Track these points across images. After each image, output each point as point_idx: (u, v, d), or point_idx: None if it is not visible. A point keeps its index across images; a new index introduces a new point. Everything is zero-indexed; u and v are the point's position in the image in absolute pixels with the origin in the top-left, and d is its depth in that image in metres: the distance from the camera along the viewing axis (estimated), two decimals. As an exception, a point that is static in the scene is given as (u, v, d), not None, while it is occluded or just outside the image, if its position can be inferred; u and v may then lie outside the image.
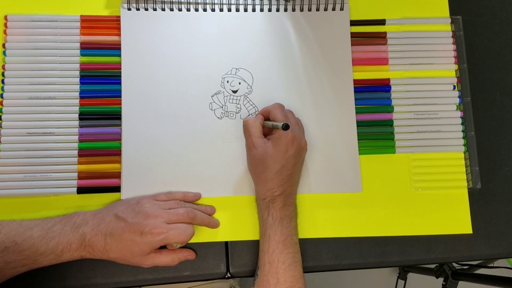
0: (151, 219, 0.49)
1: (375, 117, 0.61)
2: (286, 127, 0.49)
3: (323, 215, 0.57)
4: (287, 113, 0.55)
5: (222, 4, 0.60)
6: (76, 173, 0.56)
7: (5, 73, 0.57)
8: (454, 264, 1.07)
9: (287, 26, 0.61)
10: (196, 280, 0.57)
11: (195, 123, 0.58)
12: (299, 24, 0.61)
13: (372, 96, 0.61)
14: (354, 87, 0.60)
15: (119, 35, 0.59)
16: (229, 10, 0.61)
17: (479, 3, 0.66)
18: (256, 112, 0.59)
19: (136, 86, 0.58)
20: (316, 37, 0.61)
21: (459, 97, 0.62)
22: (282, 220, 0.51)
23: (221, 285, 0.74)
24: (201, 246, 0.56)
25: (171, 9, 0.60)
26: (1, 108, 0.56)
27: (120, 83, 0.58)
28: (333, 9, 0.61)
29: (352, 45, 0.61)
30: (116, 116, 0.57)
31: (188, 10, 0.60)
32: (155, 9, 0.60)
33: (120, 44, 0.59)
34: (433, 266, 1.14)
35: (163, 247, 0.52)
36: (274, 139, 0.52)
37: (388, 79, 0.61)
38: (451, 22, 0.63)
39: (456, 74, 0.63)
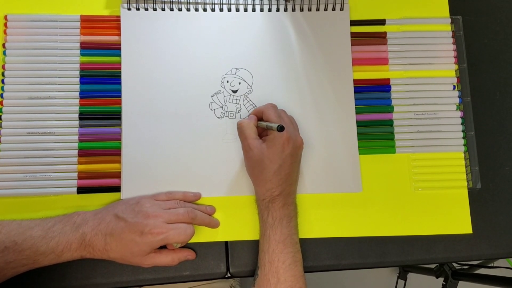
0: (151, 219, 0.49)
1: (375, 117, 0.61)
2: (281, 128, 0.49)
3: (323, 215, 0.57)
4: (280, 113, 0.55)
5: (222, 4, 0.60)
6: (76, 173, 0.56)
7: (5, 73, 0.57)
8: (454, 264, 1.07)
9: (287, 26, 0.61)
10: (196, 280, 0.57)
11: (195, 123, 0.58)
12: (299, 24, 0.61)
13: (372, 96, 0.61)
14: (354, 87, 0.60)
15: (119, 35, 0.59)
16: (229, 10, 0.61)
17: (479, 3, 0.66)
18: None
19: (136, 86, 0.58)
20: (316, 37, 0.61)
21: (459, 97, 0.62)
22: (282, 219, 0.51)
23: (221, 285, 0.74)
24: (201, 246, 0.56)
25: (171, 9, 0.60)
26: (1, 108, 0.57)
27: (120, 83, 0.58)
28: (333, 9, 0.61)
29: (352, 45, 0.61)
30: (116, 116, 0.57)
31: (188, 10, 0.60)
32: (155, 9, 0.60)
33: (120, 44, 0.59)
34: (433, 266, 1.14)
35: (163, 247, 0.52)
36: (270, 140, 0.52)
37: (388, 79, 0.61)
38: (451, 22, 0.63)
39: (456, 74, 0.63)
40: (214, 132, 0.58)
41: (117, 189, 0.56)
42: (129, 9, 0.59)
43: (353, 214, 0.58)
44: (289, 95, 0.59)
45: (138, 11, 0.59)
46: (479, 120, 0.62)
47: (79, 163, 0.56)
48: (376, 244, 0.57)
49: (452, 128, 0.61)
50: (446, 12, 0.64)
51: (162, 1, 0.59)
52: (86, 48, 0.58)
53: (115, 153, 0.57)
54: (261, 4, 0.61)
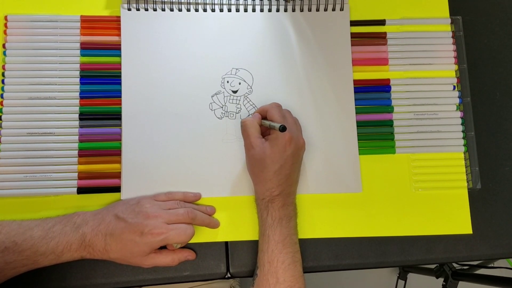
0: (151, 220, 0.49)
1: (375, 117, 0.61)
2: (283, 129, 0.49)
3: (323, 215, 0.57)
4: (285, 113, 0.55)
5: (222, 4, 0.60)
6: (76, 173, 0.56)
7: (5, 73, 0.57)
8: (454, 264, 1.07)
9: (287, 26, 0.61)
10: (196, 280, 0.57)
11: (195, 123, 0.58)
12: (299, 24, 0.61)
13: (372, 96, 0.61)
14: (354, 87, 0.60)
15: (119, 35, 0.59)
16: (229, 10, 0.61)
17: (479, 3, 0.66)
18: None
19: (136, 86, 0.58)
20: (316, 37, 0.61)
21: (459, 97, 0.62)
22: (281, 220, 0.51)
23: (221, 285, 0.74)
24: (201, 246, 0.56)
25: (171, 10, 0.60)
26: (1, 108, 0.57)
27: (120, 83, 0.58)
28: (333, 9, 0.62)
29: (352, 45, 0.61)
30: (116, 116, 0.57)
31: (188, 10, 0.60)
32: (155, 10, 0.60)
33: (120, 44, 0.59)
34: (433, 266, 1.13)
35: (163, 247, 0.52)
36: (272, 140, 0.52)
37: (388, 79, 0.61)
38: (451, 23, 0.63)
39: (456, 74, 0.63)
40: (214, 133, 0.58)
41: (117, 189, 0.56)
42: (129, 9, 0.59)
43: (353, 214, 0.58)
44: (289, 96, 0.59)
45: (138, 12, 0.59)
46: (479, 120, 0.62)
47: (79, 163, 0.56)
48: (376, 244, 0.57)
49: (452, 128, 0.61)
50: (446, 13, 0.64)
51: (162, 2, 0.59)
52: (86, 48, 0.58)
53: (115, 153, 0.57)
54: (261, 5, 0.61)
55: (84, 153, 0.56)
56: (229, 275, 0.56)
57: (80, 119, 0.57)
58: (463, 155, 0.61)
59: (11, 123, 0.56)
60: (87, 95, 0.58)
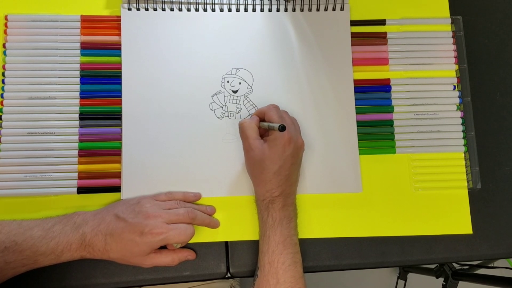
0: (151, 219, 0.49)
1: (375, 117, 0.61)
2: (282, 128, 0.49)
3: (323, 215, 0.57)
4: (282, 114, 0.55)
5: (222, 4, 0.60)
6: (76, 173, 0.56)
7: (6, 73, 0.57)
8: (454, 264, 1.07)
9: (287, 26, 0.61)
10: (196, 280, 0.57)
11: (195, 123, 0.58)
12: (299, 24, 0.61)
13: (372, 96, 0.61)
14: (354, 87, 0.60)
15: (119, 35, 0.59)
16: (229, 10, 0.61)
17: (479, 3, 0.66)
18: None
19: (136, 86, 0.58)
20: (316, 37, 0.61)
21: (459, 97, 0.62)
22: (281, 220, 0.51)
23: (221, 285, 0.74)
24: (201, 246, 0.56)
25: (172, 9, 0.60)
26: (2, 108, 0.57)
27: (120, 83, 0.58)
28: (333, 9, 0.61)
29: (352, 45, 0.61)
30: (116, 116, 0.57)
31: (189, 10, 0.60)
32: (155, 9, 0.60)
33: (120, 44, 0.59)
34: (433, 266, 1.14)
35: (163, 247, 0.52)
36: (271, 140, 0.52)
37: (388, 79, 0.61)
38: (452, 22, 0.63)
39: (456, 74, 0.63)
40: (214, 132, 0.58)
41: (117, 189, 0.56)
42: (129, 9, 0.59)
43: (353, 214, 0.58)
44: (289, 96, 0.59)
45: (138, 11, 0.59)
46: (479, 120, 0.62)
47: (79, 163, 0.56)
48: (376, 244, 0.57)
49: (452, 128, 0.61)
50: (447, 12, 0.64)
51: (162, 1, 0.59)
52: (86, 48, 0.58)
53: (115, 153, 0.57)
54: (261, 4, 0.61)
55: (84, 153, 0.56)
56: (229, 275, 0.56)
57: (80, 119, 0.57)
58: (463, 155, 0.61)
59: (11, 123, 0.56)
60: (87, 95, 0.58)
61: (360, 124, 0.60)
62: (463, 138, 0.61)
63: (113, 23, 0.59)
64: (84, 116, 0.57)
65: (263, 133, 0.56)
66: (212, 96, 0.59)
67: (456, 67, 0.62)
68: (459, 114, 0.61)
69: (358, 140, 0.59)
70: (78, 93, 0.57)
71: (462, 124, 0.61)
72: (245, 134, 0.54)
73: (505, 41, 0.65)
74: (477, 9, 0.65)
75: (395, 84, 0.61)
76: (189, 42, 0.59)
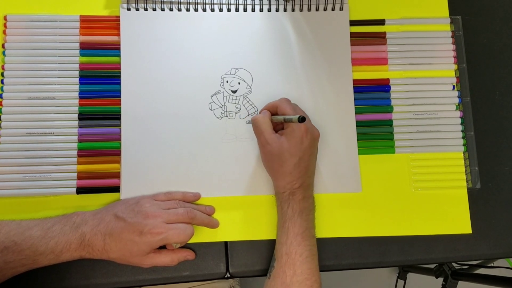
0: (150, 219, 0.49)
1: (374, 117, 0.61)
2: (302, 119, 0.49)
3: (323, 215, 0.57)
4: (295, 106, 0.56)
5: (222, 4, 0.60)
6: (76, 173, 0.56)
7: (5, 73, 0.57)
8: (454, 264, 1.07)
9: (286, 26, 0.61)
10: (196, 280, 0.57)
11: (195, 123, 0.58)
12: (298, 24, 0.61)
13: (372, 96, 0.61)
14: (354, 87, 0.60)
15: (118, 35, 0.59)
16: (229, 10, 0.61)
17: (478, 3, 0.66)
18: (256, 112, 0.59)
19: (136, 86, 0.58)
20: (315, 37, 0.61)
21: (458, 97, 0.62)
22: (301, 212, 0.51)
23: (221, 285, 0.74)
24: (201, 246, 0.56)
25: (171, 9, 0.60)
26: (1, 108, 0.56)
27: (119, 83, 0.58)
28: (333, 9, 0.61)
29: (351, 45, 0.61)
30: (115, 116, 0.57)
31: (188, 10, 0.60)
32: (154, 9, 0.60)
33: (119, 44, 0.58)
34: (432, 266, 1.14)
35: (163, 247, 0.52)
36: (288, 133, 0.52)
37: (388, 79, 0.61)
38: (451, 22, 0.63)
39: (455, 74, 0.63)
40: (214, 132, 0.58)
41: (116, 189, 0.56)
42: (128, 9, 0.59)
43: (353, 214, 0.58)
44: (288, 95, 0.59)
45: (137, 11, 0.59)
46: (479, 120, 0.62)
47: (79, 163, 0.56)
48: (376, 244, 0.57)
49: (451, 128, 0.61)
50: (446, 12, 0.64)
51: (161, 1, 0.59)
52: (85, 48, 0.58)
53: (115, 153, 0.57)
54: (261, 4, 0.61)
55: (83, 153, 0.56)
56: (228, 275, 0.56)
57: (80, 119, 0.57)
58: (462, 154, 0.61)
59: (10, 123, 0.56)
60: (86, 95, 0.58)
61: (359, 124, 0.60)
62: (463, 138, 0.61)
63: (112, 23, 0.59)
64: (83, 116, 0.57)
65: (275, 127, 0.56)
66: (211, 96, 0.59)
67: (455, 67, 0.62)
68: (458, 114, 0.61)
69: (358, 140, 0.59)
70: (77, 93, 0.57)
71: (462, 124, 0.61)
72: (260, 129, 0.54)
73: (504, 40, 0.65)
74: (476, 9, 0.65)
75: (394, 84, 0.61)
76: (188, 42, 0.59)
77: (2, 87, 0.57)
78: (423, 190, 0.59)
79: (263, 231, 0.56)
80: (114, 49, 0.59)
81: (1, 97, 0.57)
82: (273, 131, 0.54)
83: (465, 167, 0.60)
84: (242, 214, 0.57)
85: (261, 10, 0.61)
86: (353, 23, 0.62)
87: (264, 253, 0.56)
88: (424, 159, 0.60)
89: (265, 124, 0.54)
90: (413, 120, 0.61)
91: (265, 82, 0.60)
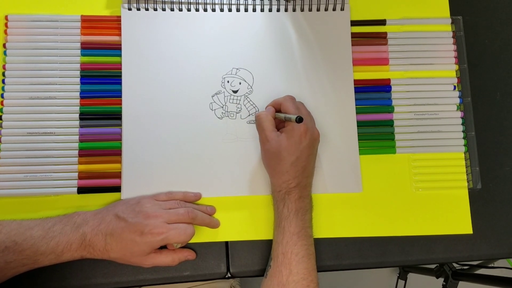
0: (151, 219, 0.49)
1: (375, 117, 0.61)
2: (299, 120, 0.49)
3: (323, 215, 0.57)
4: (299, 105, 0.56)
5: (222, 4, 0.60)
6: (77, 173, 0.56)
7: (6, 73, 0.57)
8: (455, 264, 1.07)
9: (287, 26, 0.61)
10: (196, 280, 0.57)
11: (196, 123, 0.58)
12: (299, 24, 0.61)
13: (373, 96, 0.61)
14: (355, 87, 0.60)
15: (119, 35, 0.59)
16: (229, 10, 0.61)
17: (479, 3, 0.66)
18: (257, 112, 0.59)
19: (137, 86, 0.58)
20: (316, 37, 0.61)
21: (459, 97, 0.62)
22: (297, 212, 0.51)
23: (221, 285, 0.74)
24: (201, 246, 0.56)
25: (172, 9, 0.60)
26: (2, 108, 0.57)
27: (120, 83, 0.58)
28: (334, 9, 0.61)
29: (352, 45, 0.61)
30: (116, 116, 0.57)
31: (189, 10, 0.60)
32: (155, 9, 0.60)
33: (120, 44, 0.59)
34: (433, 266, 1.13)
35: (164, 247, 0.52)
36: (288, 132, 0.52)
37: (389, 79, 0.61)
38: (452, 23, 0.63)
39: (456, 74, 0.63)
40: (215, 132, 0.58)
41: (117, 189, 0.56)
42: (129, 9, 0.59)
43: (354, 214, 0.58)
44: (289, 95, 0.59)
45: (138, 11, 0.59)
46: (480, 121, 0.62)
47: (80, 163, 0.56)
48: (376, 244, 0.57)
49: (452, 128, 0.61)
50: (447, 13, 0.64)
51: (162, 1, 0.59)
52: (86, 48, 0.58)
53: (116, 153, 0.57)
54: (261, 4, 0.61)
55: (84, 153, 0.56)
56: (229, 275, 0.56)
57: (81, 119, 0.57)
58: (463, 155, 0.61)
59: (11, 123, 0.56)
60: (87, 95, 0.58)
61: (360, 124, 0.60)
62: (463, 138, 0.61)
63: (113, 23, 0.59)
64: (84, 116, 0.57)
65: (279, 124, 0.56)
66: (212, 96, 0.59)
67: (456, 67, 0.62)
68: (459, 114, 0.61)
69: (359, 140, 0.59)
70: (78, 93, 0.57)
71: (462, 124, 0.61)
72: (262, 126, 0.54)
73: (505, 41, 0.65)
74: (477, 9, 0.65)
75: (395, 84, 0.61)
76: (189, 42, 0.59)
77: (3, 87, 0.57)
78: (424, 190, 0.59)
79: (264, 231, 0.56)
80: (115, 49, 0.59)
81: (2, 97, 0.57)
82: (275, 129, 0.54)
83: (466, 167, 0.60)
84: (243, 214, 0.57)
85: (261, 10, 0.61)
86: (354, 23, 0.62)
87: (265, 253, 0.56)
88: (425, 159, 0.60)
89: (267, 122, 0.54)
90: (414, 120, 0.61)
91: (266, 82, 0.60)
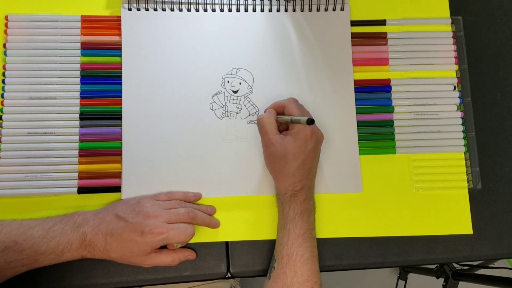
0: (151, 219, 0.49)
1: (375, 117, 0.61)
2: (311, 122, 0.49)
3: (323, 215, 0.57)
4: (301, 107, 0.56)
5: (222, 4, 0.60)
6: (77, 173, 0.56)
7: (6, 73, 0.57)
8: (455, 265, 1.07)
9: (287, 26, 0.61)
10: (197, 280, 0.57)
11: (196, 123, 0.58)
12: (299, 24, 0.61)
13: (373, 96, 0.61)
14: (355, 87, 0.60)
15: (119, 35, 0.59)
16: (229, 10, 0.61)
17: (479, 3, 0.66)
18: (257, 112, 0.59)
19: (137, 86, 0.58)
20: (316, 37, 0.61)
21: (459, 97, 0.62)
22: (302, 214, 0.51)
23: (222, 285, 0.74)
24: (202, 246, 0.56)
25: (172, 9, 0.60)
26: (2, 108, 0.57)
27: (120, 83, 0.58)
28: (334, 9, 0.62)
29: (352, 45, 0.61)
30: (116, 116, 0.57)
31: (189, 10, 0.60)
32: (155, 9, 0.60)
33: (120, 44, 0.59)
34: (433, 266, 1.13)
35: (164, 247, 0.52)
36: (293, 134, 0.52)
37: (389, 80, 0.61)
38: (452, 23, 0.63)
39: (456, 74, 0.63)
40: (215, 132, 0.58)
41: (117, 189, 0.56)
42: (129, 9, 0.59)
43: (354, 214, 0.58)
44: (289, 96, 0.59)
45: (138, 11, 0.59)
46: (480, 121, 0.62)
47: (80, 163, 0.56)
48: (376, 245, 0.57)
49: (452, 128, 0.61)
50: (447, 13, 0.64)
51: (162, 2, 0.59)
52: (86, 48, 0.58)
53: (116, 153, 0.57)
54: (261, 5, 0.61)
55: (84, 153, 0.56)
56: (229, 275, 0.56)
57: (81, 119, 0.57)
58: (463, 155, 0.61)
59: (11, 123, 0.56)
60: (87, 95, 0.58)
61: (360, 124, 0.60)
62: (464, 138, 0.61)
63: (114, 23, 0.59)
64: (84, 116, 0.57)
65: (279, 127, 0.56)
66: (212, 96, 0.59)
67: (456, 67, 0.62)
68: (459, 114, 0.61)
69: (359, 140, 0.59)
70: (79, 93, 0.57)
71: (463, 124, 0.61)
72: (265, 130, 0.54)
73: (505, 41, 0.65)
74: (477, 9, 0.65)
75: (395, 84, 0.61)
76: (189, 42, 0.59)
77: (3, 87, 0.57)
78: (424, 191, 0.59)
79: (264, 231, 0.56)
80: (115, 49, 0.59)
81: (3, 97, 0.57)
82: (278, 132, 0.54)
83: (466, 167, 0.60)
84: (243, 214, 0.57)
85: (261, 10, 0.61)
86: (354, 23, 0.62)
87: (265, 253, 0.56)
88: (425, 159, 0.60)
89: (270, 125, 0.54)
90: (414, 120, 0.61)
91: (266, 82, 0.60)
